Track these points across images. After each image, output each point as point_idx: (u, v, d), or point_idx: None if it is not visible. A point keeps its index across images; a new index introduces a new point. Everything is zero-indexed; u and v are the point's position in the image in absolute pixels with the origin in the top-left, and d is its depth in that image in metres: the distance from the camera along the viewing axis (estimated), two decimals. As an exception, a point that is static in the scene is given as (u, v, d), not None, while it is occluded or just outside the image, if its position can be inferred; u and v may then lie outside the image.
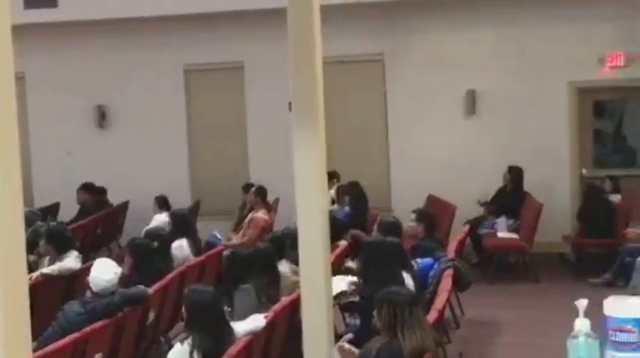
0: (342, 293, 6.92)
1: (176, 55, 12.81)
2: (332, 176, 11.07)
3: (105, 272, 6.24)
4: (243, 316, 5.95)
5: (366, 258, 6.73)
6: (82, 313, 5.97)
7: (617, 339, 2.81)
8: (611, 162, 12.09)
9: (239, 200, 11.51)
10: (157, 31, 12.69)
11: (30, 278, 6.96)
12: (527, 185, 11.18)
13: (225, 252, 9.07)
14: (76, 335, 5.57)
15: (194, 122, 13.17)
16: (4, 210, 2.69)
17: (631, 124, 12.17)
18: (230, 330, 5.40)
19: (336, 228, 8.43)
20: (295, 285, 6.81)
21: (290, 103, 5.75)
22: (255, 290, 6.42)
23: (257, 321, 5.74)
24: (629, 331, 2.79)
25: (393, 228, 7.70)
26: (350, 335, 6.18)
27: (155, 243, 7.71)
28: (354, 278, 7.09)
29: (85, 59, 13.03)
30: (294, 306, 6.21)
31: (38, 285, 7.17)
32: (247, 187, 11.28)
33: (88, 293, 6.22)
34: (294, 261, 6.83)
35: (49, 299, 7.01)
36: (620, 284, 9.08)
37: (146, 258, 7.31)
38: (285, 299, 6.40)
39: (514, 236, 10.67)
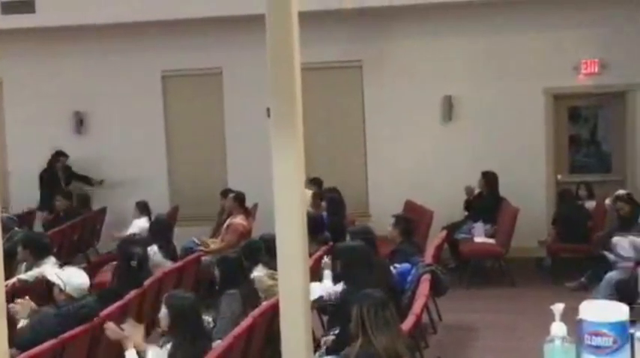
0: (320, 299, 6.94)
1: (154, 60, 12.78)
2: (315, 182, 11.11)
3: (78, 276, 6.25)
4: (229, 320, 5.97)
5: (342, 263, 6.76)
6: (57, 316, 5.97)
7: (593, 343, 2.84)
8: (587, 168, 12.22)
9: (217, 206, 11.50)
10: (134, 37, 12.66)
11: (6, 285, 6.93)
12: (504, 190, 11.26)
13: (210, 257, 9.07)
14: (53, 341, 5.55)
15: (172, 128, 13.14)
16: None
17: (605, 130, 12.31)
18: (208, 336, 5.43)
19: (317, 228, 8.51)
20: (271, 289, 6.83)
21: (268, 109, 5.76)
22: (241, 295, 6.45)
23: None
24: (604, 335, 2.82)
25: (365, 234, 7.71)
26: (330, 338, 6.21)
27: (138, 249, 7.69)
28: (331, 284, 7.12)
29: (63, 65, 12.97)
30: (273, 311, 6.21)
31: (15, 292, 7.12)
32: (225, 193, 11.27)
33: (62, 297, 6.21)
34: (271, 266, 6.85)
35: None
36: (594, 288, 9.15)
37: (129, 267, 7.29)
38: (263, 305, 6.41)
39: (491, 241, 10.75)
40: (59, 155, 12.85)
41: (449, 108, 12.04)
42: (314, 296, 6.54)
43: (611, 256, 8.83)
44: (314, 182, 11.09)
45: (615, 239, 8.75)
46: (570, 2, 11.47)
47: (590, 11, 11.51)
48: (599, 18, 11.54)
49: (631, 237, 8.62)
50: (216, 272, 6.75)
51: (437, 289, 7.66)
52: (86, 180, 12.97)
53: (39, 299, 7.28)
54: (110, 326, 5.54)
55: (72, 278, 6.21)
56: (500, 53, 11.84)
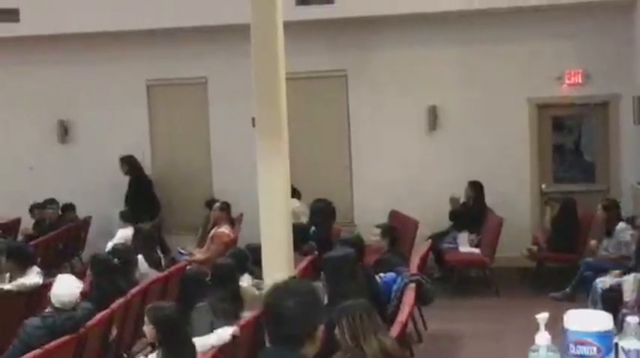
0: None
1: (139, 70, 12.76)
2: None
3: (66, 287, 6.22)
4: (201, 335, 5.95)
5: (326, 273, 6.76)
6: (41, 327, 5.95)
7: (577, 352, 2.85)
8: (571, 178, 12.26)
9: (203, 216, 11.48)
10: (119, 46, 12.64)
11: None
12: (488, 200, 11.30)
13: (188, 268, 9.07)
14: (37, 351, 5.52)
15: (157, 137, 13.11)
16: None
17: (589, 140, 12.38)
18: (192, 346, 5.43)
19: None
20: (256, 299, 6.82)
21: (253, 119, 5.78)
22: (211, 307, 6.42)
23: (221, 335, 5.75)
24: (589, 344, 2.83)
25: (354, 243, 7.72)
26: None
27: (116, 260, 7.66)
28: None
29: (47, 74, 12.93)
30: (258, 322, 6.20)
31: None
32: (210, 203, 11.26)
33: (48, 308, 6.18)
34: (257, 275, 6.84)
35: (10, 316, 6.94)
36: (579, 298, 9.20)
37: (105, 275, 7.27)
38: (249, 315, 6.40)
39: (475, 250, 10.78)
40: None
41: (433, 118, 12.07)
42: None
43: None
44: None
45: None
46: (554, 13, 11.54)
47: (573, 22, 11.58)
48: (583, 29, 11.62)
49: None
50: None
51: (422, 298, 7.67)
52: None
53: (22, 309, 7.27)
54: None
55: (58, 289, 6.18)
56: (485, 63, 11.89)
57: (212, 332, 6.03)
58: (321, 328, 2.96)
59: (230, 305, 6.56)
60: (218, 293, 6.54)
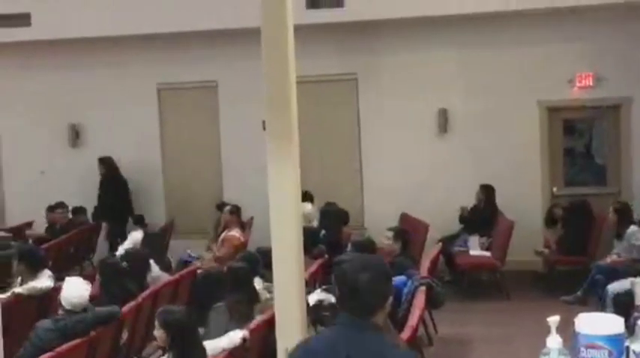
0: (319, 305, 6.94)
1: (150, 73, 12.80)
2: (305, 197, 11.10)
3: (75, 289, 6.24)
4: (217, 335, 5.97)
5: (334, 275, 6.76)
6: (53, 330, 5.96)
7: (588, 356, 2.85)
8: (582, 181, 12.23)
9: (213, 219, 11.49)
10: (130, 50, 12.68)
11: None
12: (499, 203, 11.28)
13: (199, 271, 9.09)
14: (49, 354, 5.53)
15: (168, 141, 13.14)
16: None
17: (600, 143, 12.34)
18: (203, 350, 5.45)
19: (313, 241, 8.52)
20: (267, 303, 6.83)
21: (264, 122, 5.77)
22: (228, 308, 6.45)
23: (232, 338, 5.76)
24: (600, 348, 2.83)
25: (367, 246, 7.75)
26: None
27: (125, 263, 7.67)
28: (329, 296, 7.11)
29: (59, 78, 12.99)
30: (269, 325, 6.21)
31: (11, 305, 7.10)
32: (221, 206, 11.27)
33: (60, 311, 6.20)
34: (268, 278, 6.84)
35: (21, 319, 6.95)
36: (590, 301, 9.16)
37: (114, 279, 7.27)
38: (259, 319, 6.40)
39: (486, 254, 10.76)
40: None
41: (444, 121, 12.06)
42: (312, 301, 6.50)
43: None
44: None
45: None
46: (565, 15, 11.51)
47: (584, 24, 11.55)
48: (594, 31, 11.59)
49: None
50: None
51: (433, 302, 7.66)
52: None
53: (34, 313, 7.29)
54: None
55: (71, 291, 6.20)
56: (496, 66, 11.87)
57: (226, 332, 6.05)
58: (391, 299, 3.23)
59: (245, 308, 6.58)
60: (234, 296, 6.56)
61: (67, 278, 6.60)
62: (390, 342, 3.22)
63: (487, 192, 11.32)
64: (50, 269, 8.12)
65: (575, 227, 10.53)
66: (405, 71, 12.12)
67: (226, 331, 6.09)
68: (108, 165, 12.59)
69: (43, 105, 13.08)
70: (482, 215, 11.25)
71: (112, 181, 12.58)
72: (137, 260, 7.98)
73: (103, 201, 12.53)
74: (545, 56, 11.71)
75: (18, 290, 7.55)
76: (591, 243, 10.44)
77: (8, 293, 7.43)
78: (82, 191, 12.82)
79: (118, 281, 7.27)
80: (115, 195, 12.52)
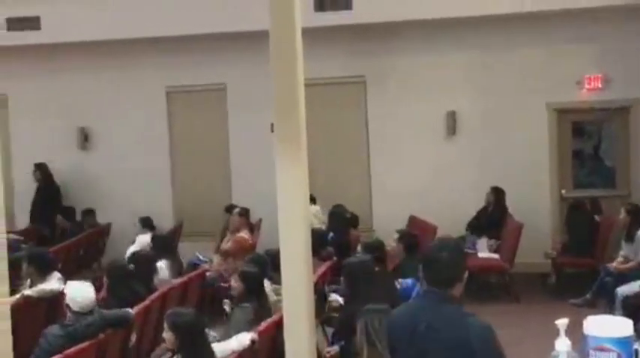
0: (328, 306, 6.97)
1: (158, 76, 12.84)
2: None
3: (78, 291, 6.24)
4: (237, 332, 5.99)
5: (346, 278, 6.78)
6: (62, 335, 5.96)
7: (596, 358, 2.84)
8: (591, 183, 12.20)
9: (221, 221, 11.50)
10: (139, 53, 12.72)
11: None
12: (507, 205, 11.26)
13: (208, 274, 9.10)
14: (58, 356, 5.54)
15: (176, 144, 13.17)
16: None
17: (609, 145, 12.31)
18: (211, 352, 5.46)
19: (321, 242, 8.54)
20: (274, 305, 6.85)
21: (272, 125, 5.78)
22: (253, 309, 6.48)
23: (242, 340, 5.78)
24: (609, 350, 2.83)
25: (376, 247, 7.76)
26: (336, 348, 6.24)
27: (131, 266, 7.67)
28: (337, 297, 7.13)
29: (68, 81, 13.04)
30: (277, 327, 6.21)
31: (20, 307, 7.12)
32: (229, 209, 11.28)
33: (69, 315, 6.21)
34: (276, 281, 6.85)
35: (31, 322, 6.97)
36: (599, 304, 9.14)
37: (122, 281, 7.28)
38: (267, 320, 6.41)
39: (495, 256, 10.74)
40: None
41: (452, 124, 12.05)
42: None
43: None
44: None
45: None
46: (574, 17, 11.48)
47: (593, 26, 11.52)
48: (603, 33, 11.56)
49: None
50: (236, 285, 6.76)
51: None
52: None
53: (43, 316, 7.31)
54: None
55: (75, 293, 6.21)
56: (504, 68, 11.86)
57: (249, 331, 6.07)
58: (466, 274, 3.82)
59: (267, 313, 6.64)
60: (258, 300, 6.63)
61: (69, 283, 6.62)
62: (466, 312, 3.71)
63: (497, 194, 11.30)
64: (59, 271, 8.14)
65: (580, 228, 10.53)
66: (413, 73, 12.12)
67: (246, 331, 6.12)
68: (43, 172, 12.84)
69: (52, 107, 13.13)
70: (491, 217, 11.24)
71: (47, 187, 12.81)
72: (144, 262, 7.99)
73: (38, 209, 12.74)
74: (553, 58, 11.69)
75: (27, 292, 7.56)
76: (598, 245, 10.41)
77: (17, 296, 7.45)
78: (91, 194, 12.85)
79: (125, 283, 7.29)
80: (49, 200, 12.76)
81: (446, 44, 12.00)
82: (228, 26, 11.75)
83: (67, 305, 6.19)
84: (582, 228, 10.52)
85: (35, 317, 7.25)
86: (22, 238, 10.62)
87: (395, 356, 3.80)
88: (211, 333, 6.24)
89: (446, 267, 3.71)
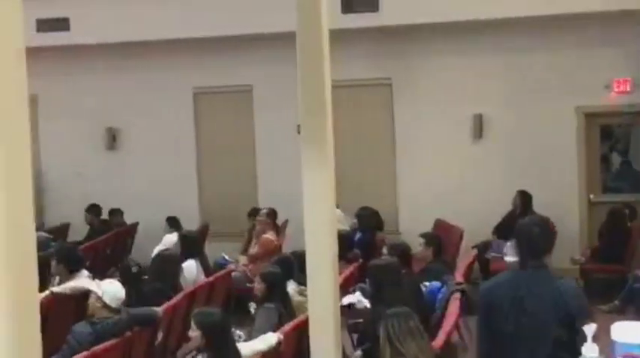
0: (351, 305, 6.97)
1: (185, 78, 12.90)
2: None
3: (114, 286, 6.36)
4: (262, 332, 6.01)
5: (371, 280, 6.78)
6: (91, 333, 6.02)
7: (624, 363, 2.82)
8: (619, 188, 12.08)
9: (248, 222, 11.52)
10: (166, 55, 12.79)
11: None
12: (535, 210, 11.16)
13: (234, 273, 9.15)
14: (84, 354, 5.59)
15: (203, 144, 13.23)
16: (16, 231, 2.70)
17: (637, 149, 12.18)
18: (237, 352, 5.48)
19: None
20: (300, 306, 6.86)
21: (299, 126, 5.80)
22: (278, 310, 6.50)
23: (268, 340, 5.80)
24: (637, 357, 2.81)
25: (403, 249, 7.77)
26: (359, 353, 6.24)
27: (138, 266, 7.71)
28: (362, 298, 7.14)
29: (96, 82, 13.14)
30: (302, 329, 6.22)
31: (49, 304, 7.18)
32: (253, 213, 11.27)
33: (97, 312, 6.26)
34: (302, 282, 6.86)
35: (60, 318, 7.04)
36: (628, 310, 9.05)
37: (131, 283, 7.30)
38: (292, 322, 6.42)
39: (522, 260, 10.64)
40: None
41: (479, 127, 11.99)
42: (345, 302, 6.54)
43: None
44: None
45: None
46: (602, 20, 11.38)
47: (622, 29, 11.41)
48: (631, 36, 11.44)
49: None
50: (258, 286, 6.79)
51: (467, 308, 7.62)
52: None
53: (72, 313, 7.37)
54: None
55: (109, 287, 6.30)
56: (532, 71, 11.78)
57: (273, 331, 6.09)
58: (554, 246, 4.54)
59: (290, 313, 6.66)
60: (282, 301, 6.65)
61: (106, 280, 6.72)
62: (556, 276, 4.49)
63: (524, 198, 11.22)
64: (87, 270, 8.21)
65: (612, 234, 10.41)
66: (439, 76, 12.08)
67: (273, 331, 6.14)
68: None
69: (81, 108, 13.24)
70: (518, 221, 11.14)
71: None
72: (169, 262, 8.04)
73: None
74: (582, 61, 11.59)
75: (57, 289, 7.61)
76: (628, 251, 10.30)
77: (47, 292, 7.51)
78: (118, 193, 12.94)
79: (134, 285, 7.31)
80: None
81: (473, 47, 11.94)
82: (255, 28, 11.78)
83: (99, 299, 6.24)
84: (618, 234, 10.40)
85: (64, 314, 7.31)
86: (51, 236, 10.71)
87: (491, 320, 4.40)
88: (237, 332, 6.26)
89: (538, 239, 4.45)
